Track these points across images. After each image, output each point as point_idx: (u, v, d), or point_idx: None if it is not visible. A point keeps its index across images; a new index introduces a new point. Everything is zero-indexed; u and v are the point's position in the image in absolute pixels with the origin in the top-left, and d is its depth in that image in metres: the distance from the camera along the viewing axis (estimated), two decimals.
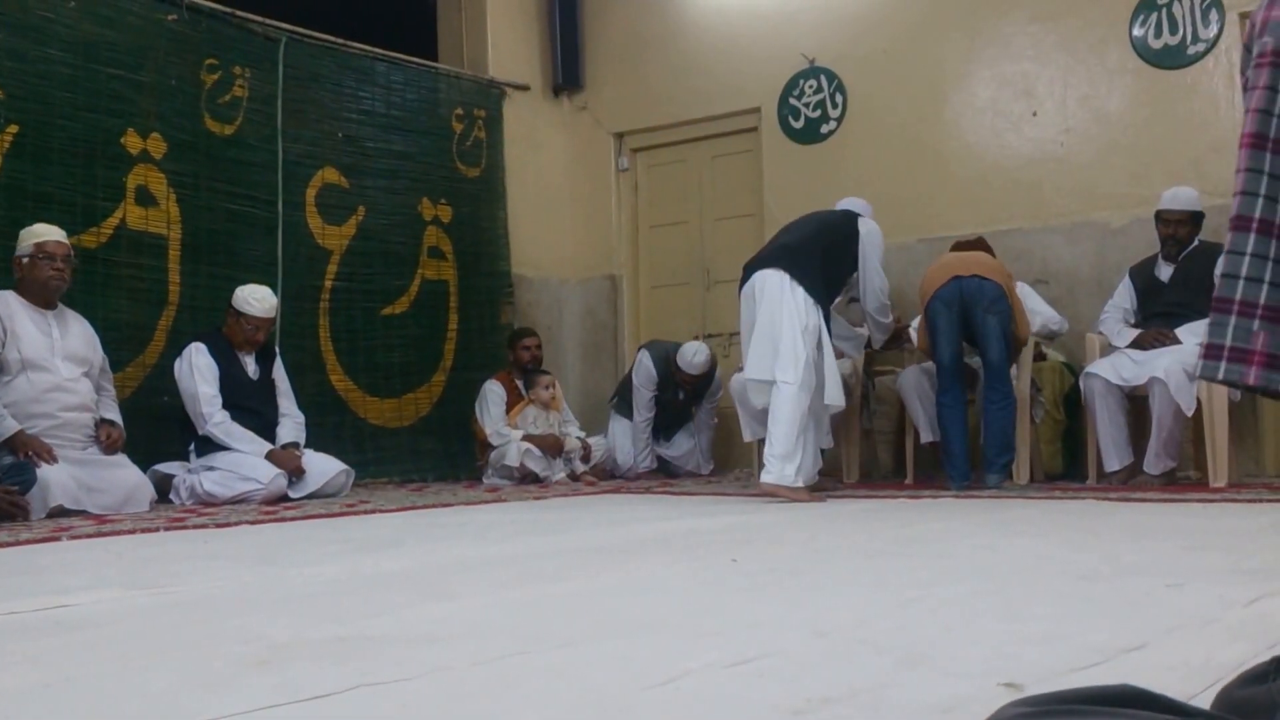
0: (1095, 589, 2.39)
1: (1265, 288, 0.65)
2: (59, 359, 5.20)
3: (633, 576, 2.83)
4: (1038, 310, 6.07)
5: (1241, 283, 0.65)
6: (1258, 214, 0.66)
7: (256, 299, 5.86)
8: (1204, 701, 1.07)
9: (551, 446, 6.91)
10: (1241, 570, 2.58)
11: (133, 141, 5.97)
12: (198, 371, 5.70)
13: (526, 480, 6.80)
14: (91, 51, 5.80)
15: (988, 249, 6.09)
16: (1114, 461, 5.48)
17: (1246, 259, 0.66)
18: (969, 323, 5.48)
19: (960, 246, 6.13)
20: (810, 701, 1.45)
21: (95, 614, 2.34)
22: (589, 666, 1.73)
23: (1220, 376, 0.66)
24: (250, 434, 5.73)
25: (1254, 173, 0.67)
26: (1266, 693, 0.91)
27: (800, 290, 5.25)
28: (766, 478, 5.11)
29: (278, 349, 6.22)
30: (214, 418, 5.68)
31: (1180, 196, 5.67)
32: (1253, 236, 0.66)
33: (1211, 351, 0.66)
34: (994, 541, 3.42)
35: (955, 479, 5.44)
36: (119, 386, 5.67)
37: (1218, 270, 0.70)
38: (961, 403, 5.54)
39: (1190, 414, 5.24)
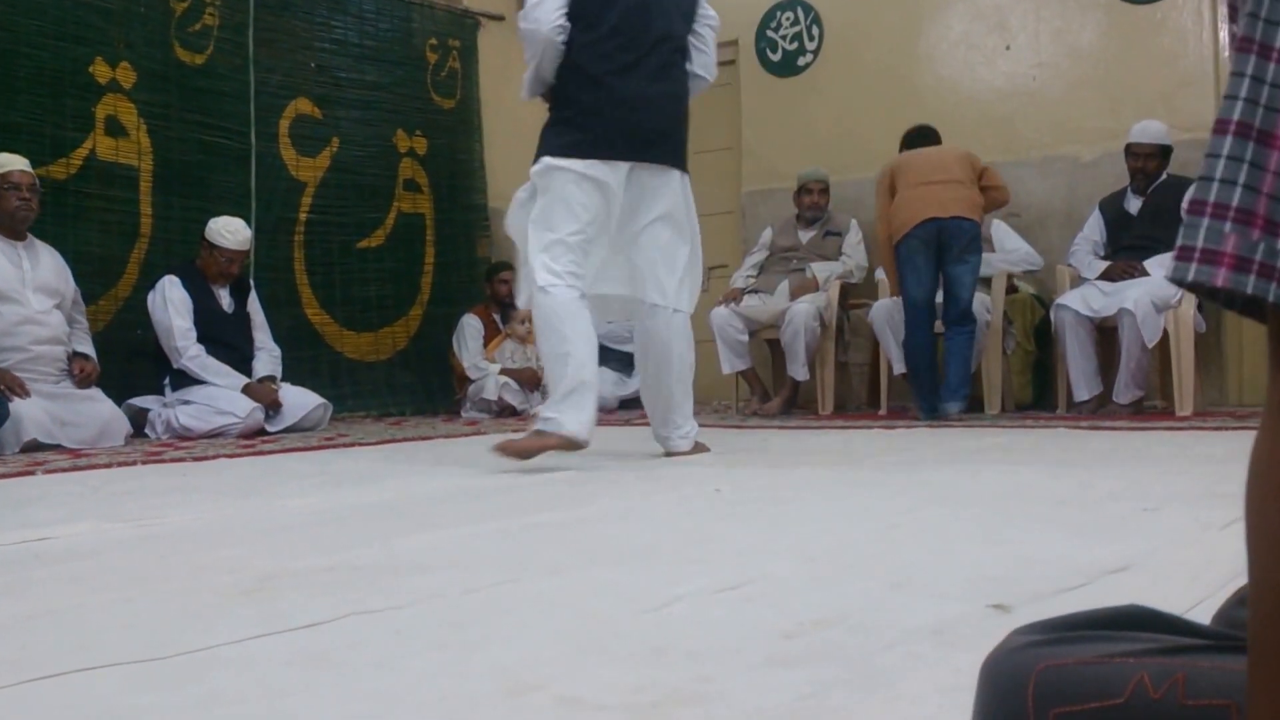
0: (1074, 513, 2.42)
1: (1239, 190, 0.63)
2: (30, 290, 5.14)
3: (618, 506, 2.85)
4: (1015, 248, 6.12)
5: (1216, 185, 0.64)
6: (1236, 117, 0.65)
7: (229, 231, 5.80)
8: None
9: (529, 380, 6.90)
10: (1214, 494, 2.62)
11: (101, 70, 5.86)
12: (171, 305, 5.65)
13: (504, 414, 6.81)
14: None
15: (939, 140, 5.92)
16: (1083, 391, 5.54)
17: (1222, 161, 0.64)
18: (941, 262, 5.50)
19: (915, 138, 5.92)
20: (801, 624, 1.47)
21: (75, 547, 2.33)
22: (581, 593, 1.74)
23: (1190, 278, 0.64)
24: (225, 367, 5.70)
25: (1237, 76, 0.65)
26: None
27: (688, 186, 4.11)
28: (683, 445, 4.12)
29: (252, 282, 6.17)
30: (188, 351, 5.64)
31: (1149, 130, 5.70)
32: (1229, 139, 0.64)
33: (1183, 254, 0.64)
34: (971, 469, 3.45)
35: (925, 411, 5.54)
36: (91, 320, 5.60)
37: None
38: (931, 339, 5.60)
39: (1153, 345, 5.30)
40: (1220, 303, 0.67)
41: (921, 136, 5.94)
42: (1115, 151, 5.97)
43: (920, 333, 5.55)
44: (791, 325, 6.16)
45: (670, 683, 1.23)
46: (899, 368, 5.90)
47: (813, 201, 6.62)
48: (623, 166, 3.87)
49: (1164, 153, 5.68)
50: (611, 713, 1.15)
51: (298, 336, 6.60)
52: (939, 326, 5.69)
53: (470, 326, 7.04)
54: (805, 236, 6.65)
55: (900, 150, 5.96)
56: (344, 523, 2.63)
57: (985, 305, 5.78)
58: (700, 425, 5.76)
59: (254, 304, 6.06)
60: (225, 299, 5.90)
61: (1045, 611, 1.24)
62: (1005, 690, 0.84)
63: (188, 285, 5.72)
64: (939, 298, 5.62)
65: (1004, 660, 0.85)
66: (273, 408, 5.73)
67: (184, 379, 5.65)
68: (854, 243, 6.62)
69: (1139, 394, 5.49)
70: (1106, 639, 0.82)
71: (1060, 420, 5.30)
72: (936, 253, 5.48)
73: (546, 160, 3.88)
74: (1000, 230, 6.18)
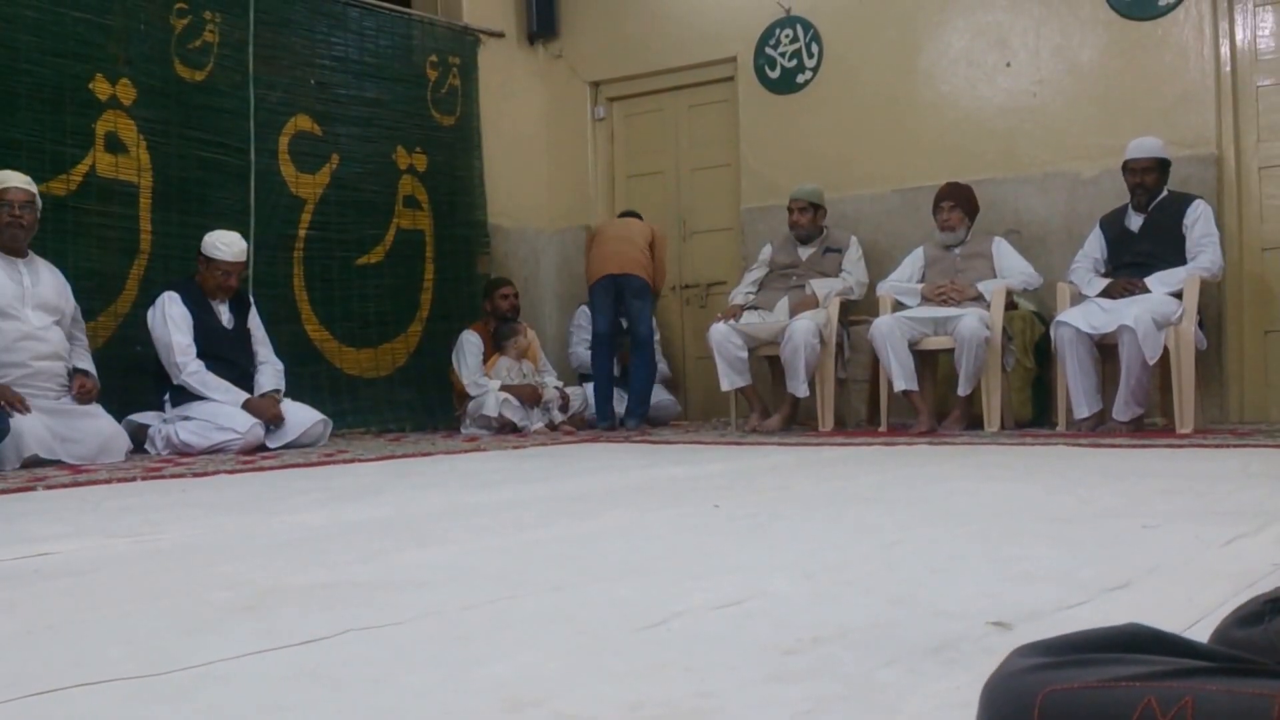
0: (1074, 530, 2.42)
1: None
2: (29, 308, 5.14)
3: (617, 522, 2.84)
4: (1015, 267, 6.11)
5: None
6: None
7: (224, 244, 5.81)
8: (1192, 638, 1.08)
9: (529, 396, 6.90)
10: (1215, 512, 2.62)
11: (101, 87, 5.87)
12: (171, 321, 5.65)
13: (504, 430, 6.80)
14: None
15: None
16: (1083, 409, 5.53)
17: None
18: (620, 302, 6.97)
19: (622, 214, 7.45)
20: (801, 641, 1.46)
21: (75, 562, 2.33)
22: (579, 609, 1.74)
23: None
24: (225, 383, 5.70)
25: None
26: (1263, 634, 0.91)
27: None
28: None
29: (252, 298, 6.17)
30: (189, 367, 5.64)
31: (1144, 145, 5.70)
32: None
33: None
34: (971, 486, 3.45)
35: (602, 419, 6.93)
36: (91, 336, 5.60)
37: None
38: (610, 364, 7.03)
39: (1153, 362, 5.29)
40: None
41: (625, 214, 7.51)
42: (1116, 168, 5.96)
43: (602, 358, 6.99)
44: (791, 342, 6.17)
45: (669, 699, 1.23)
46: (899, 384, 5.90)
47: (794, 220, 6.62)
48: None
49: (1161, 166, 5.67)
50: None
51: (297, 352, 6.59)
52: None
53: (469, 343, 7.03)
54: (805, 253, 6.66)
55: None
56: (343, 539, 2.62)
57: (984, 321, 5.78)
58: (700, 442, 5.80)
59: (254, 319, 6.06)
60: (225, 315, 5.90)
61: (1046, 629, 1.24)
62: (1009, 715, 0.82)
63: (187, 301, 5.72)
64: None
65: (1007, 684, 0.84)
66: (274, 422, 5.73)
67: (184, 395, 5.64)
68: (854, 259, 6.62)
69: (1139, 411, 5.48)
70: (1110, 661, 0.81)
71: (1060, 437, 5.29)
72: (616, 296, 6.95)
73: None
74: (1000, 248, 6.18)
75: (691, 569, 2.08)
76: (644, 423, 6.98)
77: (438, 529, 2.76)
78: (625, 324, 7.13)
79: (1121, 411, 5.42)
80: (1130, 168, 5.71)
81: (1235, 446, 4.52)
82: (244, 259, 5.92)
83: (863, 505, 3.07)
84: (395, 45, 7.40)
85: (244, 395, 5.73)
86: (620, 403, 7.05)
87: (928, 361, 6.14)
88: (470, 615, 1.71)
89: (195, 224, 6.10)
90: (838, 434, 6.01)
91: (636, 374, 6.97)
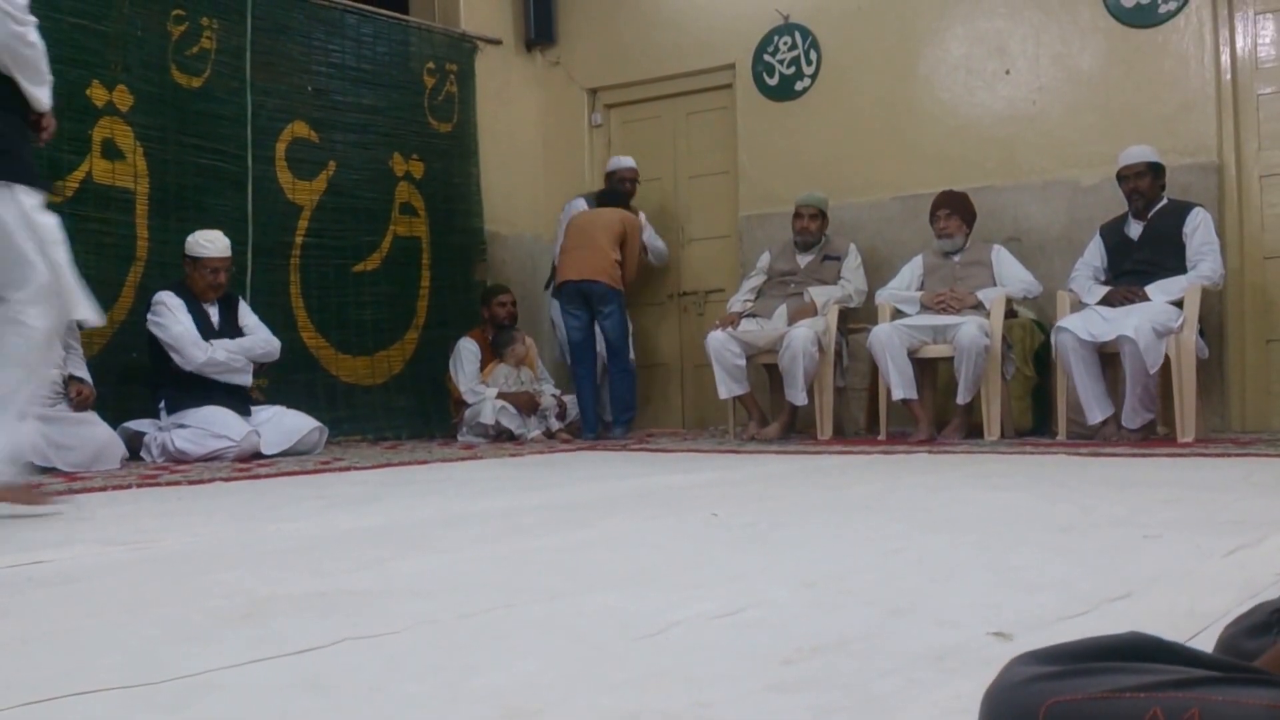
0: (1075, 540, 2.41)
1: None
2: None
3: (615, 531, 2.84)
4: (1015, 275, 6.10)
5: None
6: None
7: (207, 240, 5.81)
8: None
9: (526, 404, 6.89)
10: (1216, 522, 2.61)
11: (98, 94, 5.86)
12: (173, 312, 5.66)
13: (501, 438, 6.79)
14: (53, 0, 5.67)
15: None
16: (1095, 414, 5.50)
17: None
18: (591, 310, 6.91)
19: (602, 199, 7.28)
20: (800, 651, 1.45)
21: (70, 569, 2.32)
22: (577, 618, 1.73)
23: None
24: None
25: None
26: (1273, 645, 0.90)
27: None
28: None
29: (240, 298, 6.16)
30: (206, 348, 5.70)
31: (1133, 152, 5.71)
32: None
33: None
34: (971, 495, 3.44)
35: (588, 430, 6.88)
36: (86, 343, 5.59)
37: None
38: (592, 372, 6.99)
39: (1152, 372, 5.28)
40: None
41: (604, 201, 7.29)
42: (1115, 177, 5.96)
43: (582, 367, 6.95)
44: (790, 350, 6.16)
45: (667, 709, 1.22)
46: (898, 393, 5.89)
47: (803, 226, 6.62)
48: None
49: (1153, 170, 5.66)
50: None
51: (293, 360, 6.58)
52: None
53: (467, 350, 7.03)
54: (803, 260, 6.65)
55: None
56: (339, 547, 2.61)
57: (984, 330, 5.77)
58: (698, 450, 5.79)
59: (244, 312, 6.06)
60: (215, 317, 5.90)
61: (1047, 639, 1.22)
62: None
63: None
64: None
65: (1009, 694, 0.83)
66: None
67: (180, 402, 5.63)
68: (853, 267, 6.61)
69: (1149, 417, 5.44)
70: (1113, 670, 0.80)
71: (1060, 446, 5.28)
72: (584, 303, 6.89)
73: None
74: (1000, 256, 6.18)
75: (690, 578, 2.07)
76: (631, 429, 7.00)
77: (434, 537, 2.75)
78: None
79: (1130, 419, 5.40)
80: (1122, 175, 5.72)
81: (1237, 456, 4.52)
82: (229, 254, 5.91)
83: (862, 514, 3.06)
84: (392, 52, 7.40)
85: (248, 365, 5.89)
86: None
87: (927, 370, 6.13)
88: (467, 624, 1.70)
89: (192, 230, 6.07)
90: (836, 442, 6.00)
91: (616, 382, 6.98)
